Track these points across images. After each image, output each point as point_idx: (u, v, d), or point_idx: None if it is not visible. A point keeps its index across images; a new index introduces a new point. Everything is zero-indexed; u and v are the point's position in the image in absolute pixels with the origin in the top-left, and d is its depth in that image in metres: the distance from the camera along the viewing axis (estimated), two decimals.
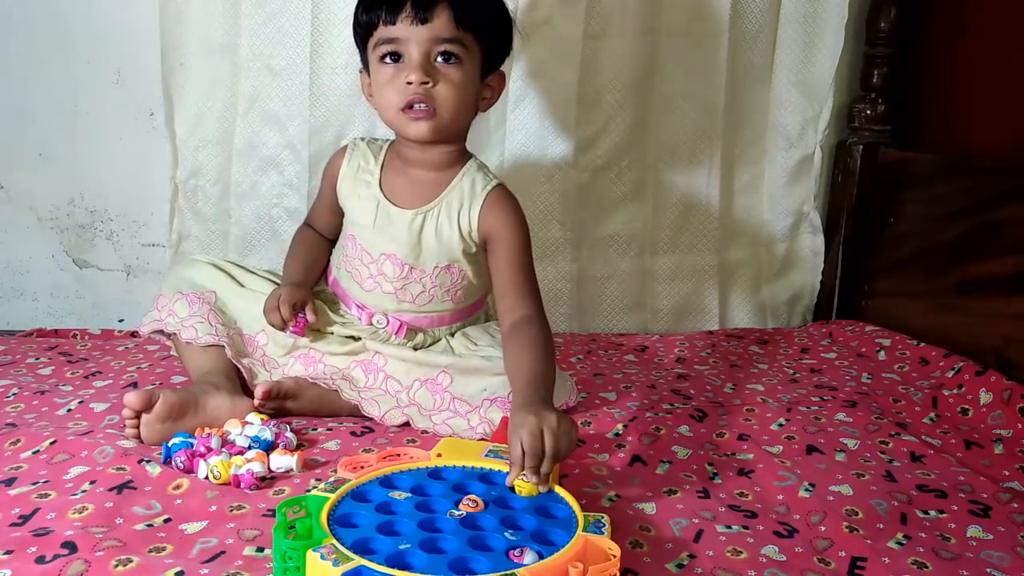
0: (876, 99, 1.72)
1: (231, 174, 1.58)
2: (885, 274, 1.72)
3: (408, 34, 1.11)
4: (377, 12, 1.13)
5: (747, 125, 1.72)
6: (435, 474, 0.95)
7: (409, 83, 1.11)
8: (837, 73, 1.69)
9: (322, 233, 1.33)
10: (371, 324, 1.24)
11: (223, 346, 1.21)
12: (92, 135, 1.61)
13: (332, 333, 1.25)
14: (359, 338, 1.24)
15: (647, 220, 1.71)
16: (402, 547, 0.80)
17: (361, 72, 1.23)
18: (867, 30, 1.73)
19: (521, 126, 1.63)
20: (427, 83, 1.12)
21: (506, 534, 0.81)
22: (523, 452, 0.90)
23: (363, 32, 1.17)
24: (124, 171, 1.62)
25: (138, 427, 1.08)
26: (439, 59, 1.12)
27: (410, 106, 1.13)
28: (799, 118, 1.71)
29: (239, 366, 1.22)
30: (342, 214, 1.27)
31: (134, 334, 1.56)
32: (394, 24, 1.11)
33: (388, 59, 1.14)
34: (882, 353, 1.55)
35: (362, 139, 1.28)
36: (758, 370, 1.46)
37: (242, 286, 1.29)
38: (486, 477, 0.94)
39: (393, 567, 0.76)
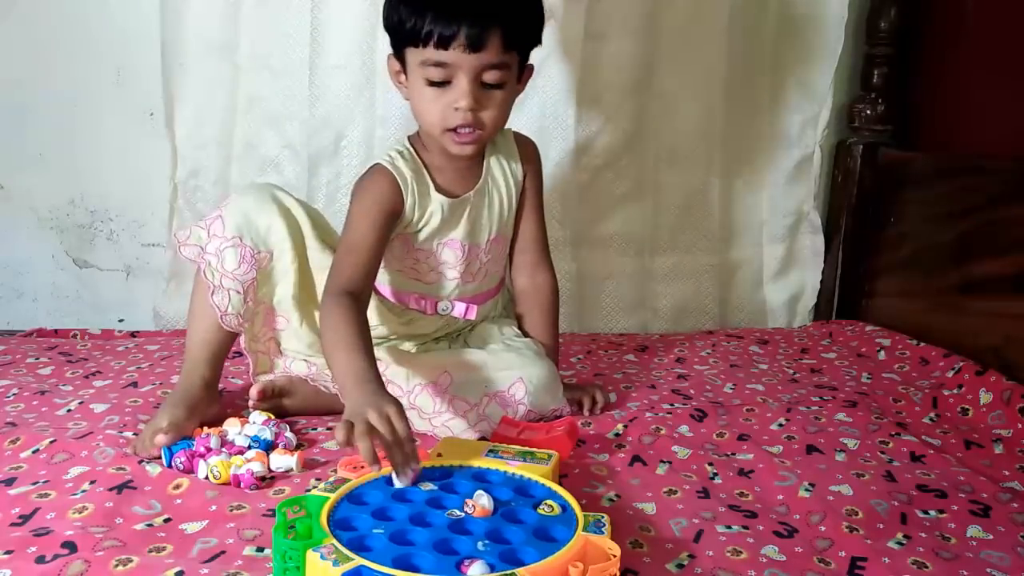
0: (876, 99, 1.72)
1: (231, 174, 1.58)
2: (885, 274, 1.72)
3: (459, 61, 1.08)
4: (428, 30, 1.08)
5: (747, 125, 1.72)
6: (480, 476, 0.94)
7: (457, 108, 1.10)
8: (837, 73, 1.69)
9: (362, 296, 1.13)
10: (437, 313, 1.24)
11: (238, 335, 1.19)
12: (92, 135, 1.61)
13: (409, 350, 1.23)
14: (438, 338, 1.25)
15: (647, 220, 1.71)
16: (375, 531, 0.81)
17: (391, 57, 1.17)
18: (867, 30, 1.73)
19: (521, 125, 1.63)
20: (476, 110, 1.11)
21: (479, 544, 0.80)
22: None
23: (407, 36, 1.11)
24: (124, 171, 1.63)
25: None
26: (486, 82, 1.11)
27: (456, 129, 1.12)
28: (799, 118, 1.71)
29: (246, 355, 1.22)
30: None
31: (134, 334, 1.56)
32: (446, 50, 1.08)
33: (435, 80, 1.11)
34: (882, 353, 1.55)
35: (388, 158, 1.19)
36: (758, 370, 1.46)
37: (303, 255, 1.21)
38: (524, 489, 0.92)
39: (356, 548, 0.77)
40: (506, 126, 1.21)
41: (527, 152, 1.28)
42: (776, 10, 1.67)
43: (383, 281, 1.22)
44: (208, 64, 1.53)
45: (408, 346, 1.24)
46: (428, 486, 0.90)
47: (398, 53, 1.15)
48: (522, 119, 1.62)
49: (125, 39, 1.57)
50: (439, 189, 1.19)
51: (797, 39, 1.68)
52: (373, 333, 1.12)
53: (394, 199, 1.16)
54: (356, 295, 1.10)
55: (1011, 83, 1.53)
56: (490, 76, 1.10)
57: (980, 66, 1.59)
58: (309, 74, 1.53)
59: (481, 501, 0.85)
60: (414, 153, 1.20)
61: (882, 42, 1.71)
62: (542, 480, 0.93)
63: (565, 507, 0.87)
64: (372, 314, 1.18)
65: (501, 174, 1.24)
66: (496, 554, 0.78)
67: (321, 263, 1.20)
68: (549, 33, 1.58)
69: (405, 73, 1.15)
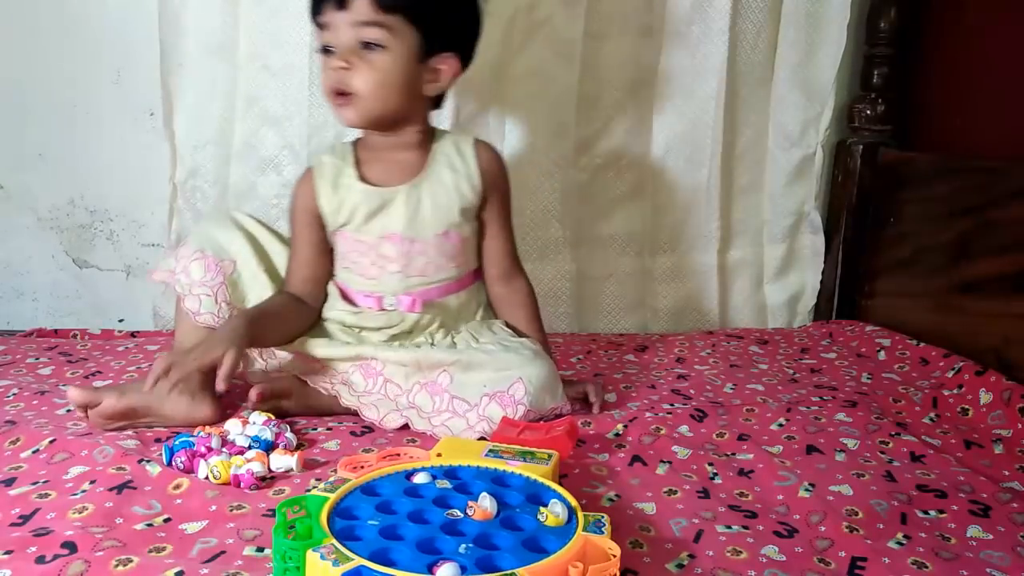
0: (876, 99, 1.72)
1: (230, 174, 1.58)
2: (885, 274, 1.72)
3: (331, 20, 1.14)
4: (313, 2, 1.17)
5: (748, 125, 1.72)
6: (499, 480, 0.93)
7: (333, 69, 1.15)
8: (838, 73, 1.69)
9: (305, 299, 1.24)
10: (383, 309, 1.24)
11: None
12: (92, 135, 1.61)
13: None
14: (369, 329, 1.25)
15: (647, 220, 1.71)
16: (369, 522, 0.82)
17: None
18: (867, 30, 1.73)
19: (521, 125, 1.63)
20: (345, 68, 1.14)
21: (461, 548, 0.79)
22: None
23: (311, 13, 1.19)
24: (124, 171, 1.63)
25: (85, 417, 1.10)
26: (364, 42, 1.14)
27: (335, 93, 1.16)
28: (800, 118, 1.71)
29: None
30: (330, 249, 1.26)
31: (134, 334, 1.56)
32: (321, 12, 1.15)
33: (324, 44, 1.17)
34: (882, 353, 1.55)
35: (318, 155, 1.28)
36: (758, 370, 1.46)
37: (268, 260, 1.26)
38: (537, 497, 0.90)
39: (344, 537, 0.77)
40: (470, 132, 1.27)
41: (486, 160, 1.25)
42: (777, 9, 1.67)
43: (340, 279, 1.27)
44: (207, 64, 1.53)
45: (377, 339, 1.24)
46: (444, 483, 0.90)
47: None
48: (522, 119, 1.62)
49: (124, 39, 1.57)
50: (364, 180, 1.22)
51: (798, 39, 1.68)
52: (337, 327, 1.24)
53: (309, 198, 1.23)
54: (299, 297, 1.23)
55: (1011, 83, 1.53)
56: (367, 34, 1.13)
57: (980, 66, 1.59)
58: (308, 74, 1.52)
59: (483, 504, 0.85)
60: (351, 150, 1.25)
61: (882, 42, 1.71)
62: (559, 490, 0.90)
63: (570, 517, 0.84)
64: (333, 311, 1.25)
65: (450, 171, 1.23)
66: (474, 559, 0.77)
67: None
68: (549, 33, 1.59)
69: None
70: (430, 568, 0.75)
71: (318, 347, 1.22)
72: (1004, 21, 1.55)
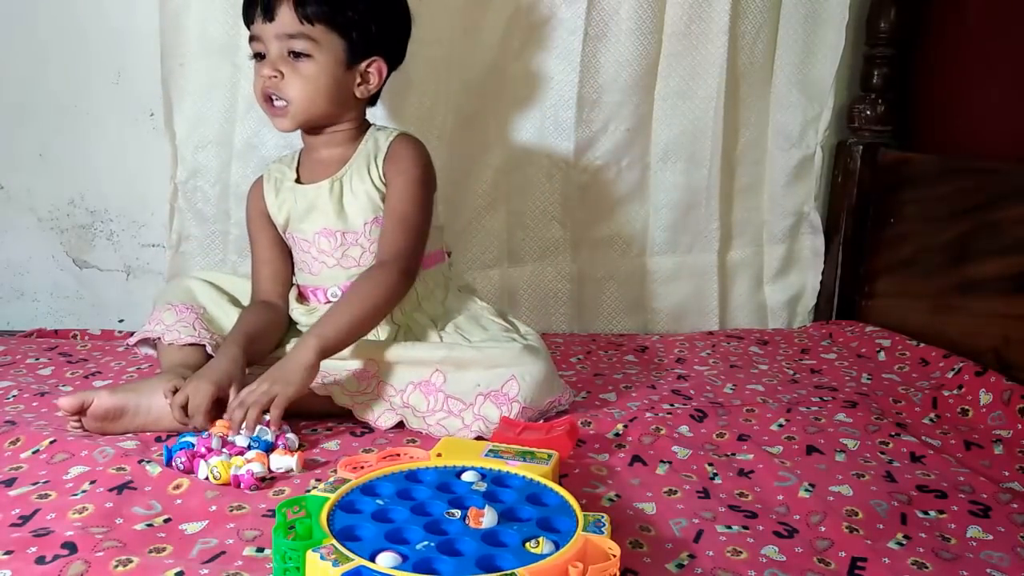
0: (876, 99, 1.72)
1: (231, 175, 1.58)
2: (885, 274, 1.72)
3: (260, 31, 1.21)
4: (244, 11, 1.23)
5: (747, 125, 1.72)
6: (499, 480, 0.93)
7: (261, 76, 1.21)
8: (838, 74, 1.69)
9: (275, 300, 1.31)
10: (328, 302, 1.28)
11: (203, 345, 1.23)
12: (92, 135, 1.61)
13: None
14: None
15: (647, 220, 1.72)
16: (379, 502, 0.84)
17: None
18: (867, 30, 1.73)
19: (521, 126, 1.63)
20: (275, 76, 1.20)
21: (422, 544, 0.79)
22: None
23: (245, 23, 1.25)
24: (124, 171, 1.63)
25: (80, 425, 1.11)
26: (293, 51, 1.20)
27: (267, 100, 1.23)
28: (800, 118, 1.71)
29: None
30: (289, 251, 1.32)
31: (133, 334, 1.56)
32: (252, 23, 1.22)
33: (254, 52, 1.23)
34: (882, 354, 1.55)
35: (270, 163, 1.36)
36: (758, 370, 1.46)
37: (234, 299, 1.34)
38: (536, 498, 0.90)
39: (344, 537, 0.78)
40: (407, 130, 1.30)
41: (393, 149, 1.27)
42: (776, 10, 1.67)
43: (297, 281, 1.33)
44: (208, 64, 1.53)
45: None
46: (481, 485, 0.91)
47: None
48: (522, 119, 1.62)
49: (125, 39, 1.57)
50: (299, 180, 1.30)
51: (798, 39, 1.68)
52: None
53: (259, 201, 1.32)
54: (265, 302, 1.30)
55: (1011, 83, 1.53)
56: (293, 44, 1.19)
57: (980, 66, 1.59)
58: None
59: (485, 517, 0.83)
60: (297, 155, 1.33)
61: (882, 42, 1.71)
62: (559, 490, 0.89)
63: (558, 543, 0.80)
64: (293, 312, 1.31)
65: (366, 164, 1.27)
66: (474, 559, 0.77)
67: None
68: (549, 32, 1.59)
69: None
70: (373, 555, 0.76)
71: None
72: (1004, 21, 1.55)
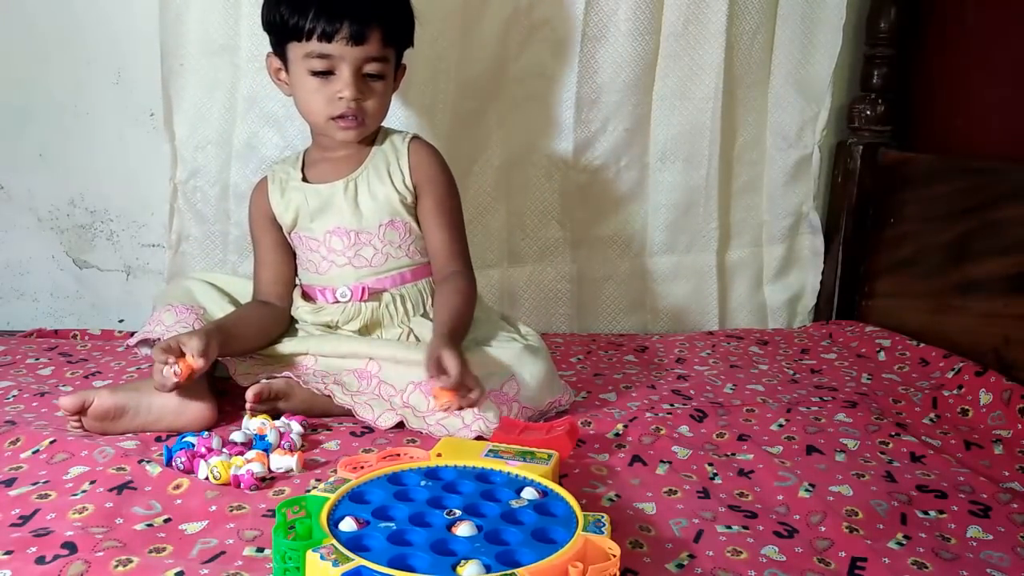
0: (876, 99, 1.72)
1: (230, 175, 1.58)
2: (885, 274, 1.72)
3: (342, 53, 1.20)
4: (311, 26, 1.19)
5: (746, 125, 1.72)
6: (483, 476, 0.94)
7: (341, 97, 1.21)
8: (837, 73, 1.69)
9: (274, 301, 1.31)
10: (337, 301, 1.27)
11: None
12: (92, 135, 1.61)
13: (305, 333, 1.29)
14: (333, 325, 1.27)
15: (646, 220, 1.72)
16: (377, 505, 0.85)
17: (270, 55, 1.28)
18: (867, 30, 1.73)
19: (521, 126, 1.63)
20: (359, 97, 1.22)
21: (474, 544, 0.80)
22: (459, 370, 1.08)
23: (290, 32, 1.21)
24: (124, 171, 1.63)
25: (81, 425, 1.11)
26: (367, 73, 1.22)
27: (341, 116, 1.23)
28: (797, 118, 1.71)
29: (220, 360, 1.21)
30: (292, 249, 1.33)
31: (134, 335, 1.56)
32: (329, 43, 1.19)
33: (319, 72, 1.21)
34: (882, 354, 1.55)
35: (272, 164, 1.37)
36: (758, 370, 1.46)
37: (238, 304, 1.33)
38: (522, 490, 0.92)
39: (354, 548, 0.77)
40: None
41: (416, 156, 1.29)
42: (773, 10, 1.67)
43: (302, 280, 1.33)
44: (208, 65, 1.53)
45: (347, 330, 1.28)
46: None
47: (279, 50, 1.26)
48: (522, 119, 1.62)
49: (125, 39, 1.57)
50: (307, 180, 1.30)
51: (795, 39, 1.68)
52: (311, 328, 1.29)
53: (263, 202, 1.31)
54: (264, 301, 1.30)
55: (1011, 83, 1.53)
56: (372, 67, 1.22)
57: (980, 66, 1.59)
58: None
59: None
60: (301, 156, 1.33)
61: (882, 42, 1.71)
62: (559, 490, 0.90)
63: (546, 491, 0.86)
64: (297, 311, 1.31)
65: (385, 166, 1.28)
66: (492, 555, 0.78)
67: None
68: (549, 33, 1.59)
69: (286, 70, 1.25)
70: (454, 568, 0.76)
71: (286, 346, 1.26)
72: (1004, 21, 1.55)
